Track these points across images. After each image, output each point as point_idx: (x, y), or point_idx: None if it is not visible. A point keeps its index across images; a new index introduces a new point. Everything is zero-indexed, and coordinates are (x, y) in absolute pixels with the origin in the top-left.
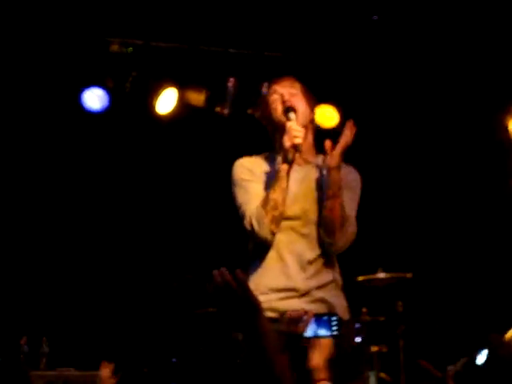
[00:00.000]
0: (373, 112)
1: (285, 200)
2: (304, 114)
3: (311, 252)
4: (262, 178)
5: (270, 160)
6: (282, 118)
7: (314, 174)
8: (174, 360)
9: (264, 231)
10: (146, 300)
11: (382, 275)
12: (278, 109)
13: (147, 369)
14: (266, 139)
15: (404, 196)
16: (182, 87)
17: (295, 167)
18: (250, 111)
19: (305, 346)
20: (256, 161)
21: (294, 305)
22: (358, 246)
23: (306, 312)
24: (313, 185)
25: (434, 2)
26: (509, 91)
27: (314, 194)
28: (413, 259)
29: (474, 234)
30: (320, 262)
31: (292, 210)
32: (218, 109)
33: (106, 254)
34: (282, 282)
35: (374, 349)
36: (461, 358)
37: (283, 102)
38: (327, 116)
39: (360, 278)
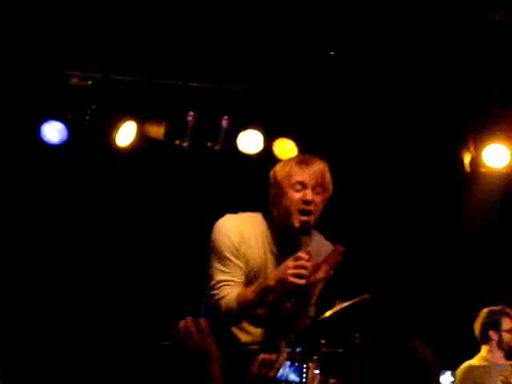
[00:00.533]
0: (330, 146)
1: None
2: (316, 218)
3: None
4: (248, 256)
5: (261, 235)
6: (292, 218)
7: None
8: None
9: (227, 321)
10: (106, 332)
11: (339, 307)
12: (293, 200)
13: None
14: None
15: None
16: (141, 120)
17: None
18: (209, 144)
19: None
20: (244, 234)
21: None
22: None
23: (278, 356)
24: None
25: (388, 38)
26: (463, 125)
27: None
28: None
29: (428, 268)
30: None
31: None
32: (177, 141)
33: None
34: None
35: (332, 381)
36: None
37: (301, 213)
38: (286, 149)
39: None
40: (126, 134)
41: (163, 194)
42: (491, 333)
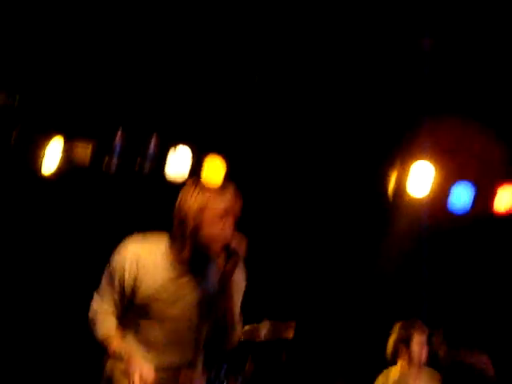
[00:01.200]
0: (258, 164)
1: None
2: None
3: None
4: (131, 288)
5: (162, 259)
6: (214, 245)
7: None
8: None
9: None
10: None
11: (266, 328)
12: (217, 231)
13: None
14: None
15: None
16: (69, 139)
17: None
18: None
19: None
20: (143, 259)
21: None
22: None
23: None
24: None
25: (311, 62)
26: (391, 144)
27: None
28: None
29: (349, 291)
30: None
31: (172, 313)
32: (104, 165)
33: None
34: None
35: None
36: None
37: (228, 248)
38: (215, 168)
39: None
40: (52, 157)
41: (89, 218)
42: (402, 348)
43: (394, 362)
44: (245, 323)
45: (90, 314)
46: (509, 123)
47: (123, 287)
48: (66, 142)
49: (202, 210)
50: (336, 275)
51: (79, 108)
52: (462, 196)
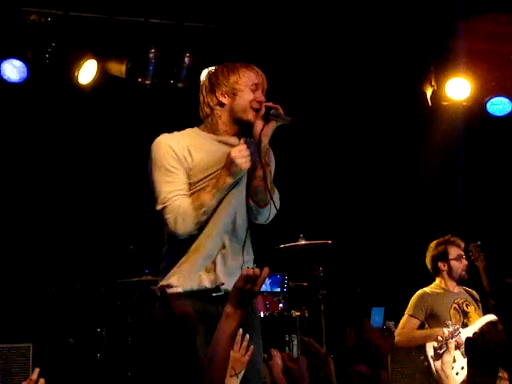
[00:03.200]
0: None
1: (225, 208)
2: None
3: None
4: (190, 163)
5: (201, 139)
6: (249, 113)
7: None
8: (99, 330)
9: (187, 231)
10: (71, 271)
11: (303, 242)
12: (249, 98)
13: (72, 339)
14: (192, 111)
15: (323, 166)
16: (102, 58)
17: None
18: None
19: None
20: (183, 143)
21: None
22: (280, 214)
23: (261, 271)
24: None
25: None
26: (425, 59)
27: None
28: (332, 228)
29: (389, 206)
30: (239, 247)
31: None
32: (139, 79)
33: (29, 223)
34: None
35: (297, 313)
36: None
37: (263, 105)
38: None
39: (282, 246)
40: (87, 72)
41: (126, 131)
42: (440, 264)
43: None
44: (282, 242)
45: (177, 212)
46: None
47: (184, 171)
48: (100, 59)
49: (236, 80)
50: (375, 189)
51: (113, 25)
52: (499, 104)
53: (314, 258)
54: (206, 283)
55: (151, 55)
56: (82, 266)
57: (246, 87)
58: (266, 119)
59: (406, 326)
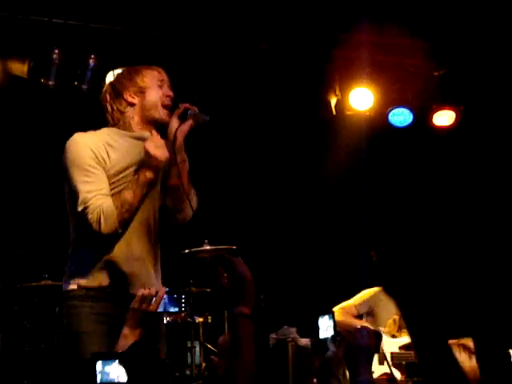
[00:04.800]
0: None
1: (139, 206)
2: None
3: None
4: (108, 163)
5: (116, 137)
6: (161, 110)
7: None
8: None
9: (111, 230)
10: None
11: (208, 247)
12: (158, 95)
13: None
14: (97, 113)
15: (228, 171)
16: (4, 57)
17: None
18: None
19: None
20: (100, 142)
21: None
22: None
23: (157, 291)
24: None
25: None
26: (329, 69)
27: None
28: (236, 233)
29: (294, 211)
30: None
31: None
32: (42, 80)
33: None
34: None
35: (200, 319)
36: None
37: (180, 105)
38: None
39: (186, 251)
40: None
41: (28, 132)
42: None
43: None
44: (185, 247)
45: (99, 212)
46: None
47: (103, 170)
48: (1, 58)
49: (141, 79)
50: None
51: (15, 24)
52: (401, 115)
53: (219, 263)
54: (114, 283)
55: (54, 56)
56: None
57: (152, 84)
58: (183, 119)
59: (346, 308)
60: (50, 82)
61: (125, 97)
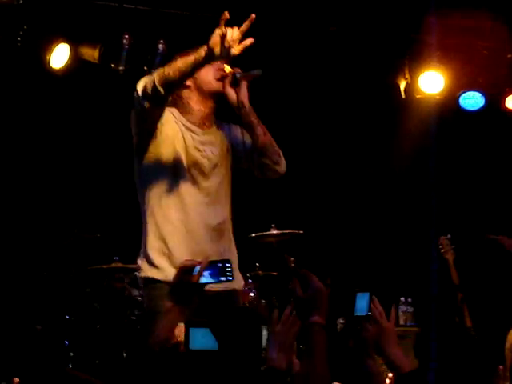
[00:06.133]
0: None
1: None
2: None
3: (216, 217)
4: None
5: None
6: (216, 84)
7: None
8: (67, 317)
9: (156, 84)
10: (39, 258)
11: (274, 232)
12: (209, 71)
13: (40, 326)
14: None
15: (297, 157)
16: (75, 42)
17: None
18: (146, 68)
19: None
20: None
21: None
22: (252, 203)
23: (199, 262)
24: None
25: None
26: (399, 52)
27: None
28: (303, 218)
29: (362, 197)
30: (223, 224)
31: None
32: (112, 65)
33: None
34: (189, 248)
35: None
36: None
37: (226, 72)
38: None
39: (253, 235)
40: (59, 56)
41: (98, 118)
42: None
43: None
44: (253, 231)
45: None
46: None
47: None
48: (73, 43)
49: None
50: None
51: (86, 8)
52: (472, 99)
53: (286, 248)
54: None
55: (125, 41)
56: (50, 253)
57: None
58: (236, 84)
59: None
60: (120, 67)
61: None
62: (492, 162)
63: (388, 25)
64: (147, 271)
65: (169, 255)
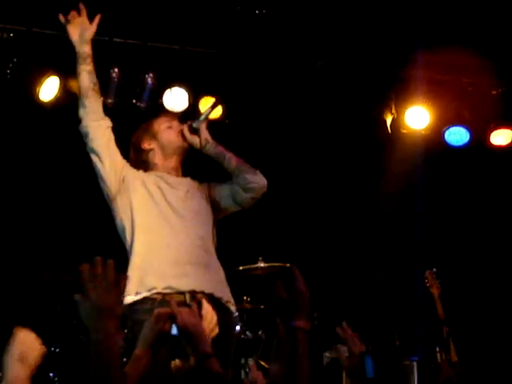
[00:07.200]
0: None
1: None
2: None
3: (202, 229)
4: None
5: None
6: (177, 142)
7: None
8: (52, 349)
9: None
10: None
11: (262, 265)
12: (170, 133)
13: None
14: None
15: (284, 190)
16: (65, 75)
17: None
18: (134, 101)
19: None
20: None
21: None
22: (239, 236)
23: (172, 311)
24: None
25: None
26: (384, 87)
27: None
28: (290, 250)
29: (348, 231)
30: (207, 241)
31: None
32: (101, 98)
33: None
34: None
35: (253, 336)
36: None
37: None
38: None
39: (241, 268)
40: (49, 89)
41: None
42: None
43: None
44: (240, 264)
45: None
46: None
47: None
48: (62, 76)
49: (152, 125)
50: (334, 217)
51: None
52: (457, 134)
53: (273, 280)
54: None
55: (114, 74)
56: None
57: (162, 127)
58: (195, 132)
59: None
60: (109, 100)
61: (143, 147)
62: (477, 197)
63: (374, 60)
64: (126, 300)
65: (142, 269)
